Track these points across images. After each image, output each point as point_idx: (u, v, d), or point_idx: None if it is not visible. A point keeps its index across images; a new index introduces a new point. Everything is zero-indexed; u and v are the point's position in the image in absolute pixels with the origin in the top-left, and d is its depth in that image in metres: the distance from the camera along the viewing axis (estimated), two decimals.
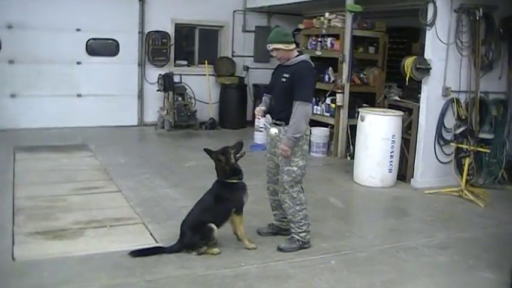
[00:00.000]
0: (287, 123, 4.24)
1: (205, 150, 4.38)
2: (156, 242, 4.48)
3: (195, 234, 4.18)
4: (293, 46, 4.28)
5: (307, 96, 4.19)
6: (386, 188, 6.57)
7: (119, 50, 9.90)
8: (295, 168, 4.29)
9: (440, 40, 6.39)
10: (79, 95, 9.73)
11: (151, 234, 4.65)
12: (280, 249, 4.39)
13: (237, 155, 4.34)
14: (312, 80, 4.28)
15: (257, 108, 4.52)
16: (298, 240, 4.42)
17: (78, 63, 9.62)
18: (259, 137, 8.91)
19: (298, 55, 4.32)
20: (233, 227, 4.40)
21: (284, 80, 4.25)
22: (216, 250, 4.26)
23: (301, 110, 4.13)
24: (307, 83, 4.18)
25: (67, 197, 5.59)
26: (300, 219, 4.38)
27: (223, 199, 4.31)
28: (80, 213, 5.09)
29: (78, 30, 9.49)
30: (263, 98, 4.60)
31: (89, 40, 9.66)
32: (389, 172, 6.58)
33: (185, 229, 4.26)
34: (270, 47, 4.29)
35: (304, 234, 4.41)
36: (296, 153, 4.27)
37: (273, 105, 4.38)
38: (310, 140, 7.97)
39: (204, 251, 4.22)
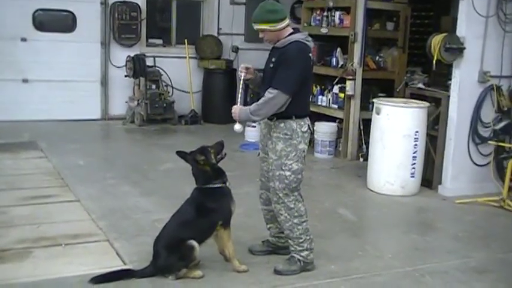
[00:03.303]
0: (279, 118, 4.26)
1: (178, 153, 4.40)
2: (124, 263, 4.43)
3: (172, 254, 4.15)
4: (282, 25, 4.26)
5: (285, 85, 4.16)
6: (408, 196, 6.57)
7: (75, 24, 9.86)
8: (287, 173, 4.28)
9: (478, 12, 6.37)
10: (25, 81, 9.66)
11: (118, 254, 4.61)
12: (277, 272, 4.36)
13: (218, 156, 4.36)
14: (298, 66, 4.21)
15: (242, 65, 4.50)
16: (299, 260, 4.40)
17: (23, 39, 9.55)
18: (251, 134, 8.87)
19: (292, 33, 4.30)
20: (219, 244, 4.37)
21: (271, 65, 4.30)
22: (198, 273, 4.23)
23: (271, 98, 4.14)
24: (291, 68, 4.17)
25: (9, 209, 5.52)
26: (300, 234, 4.37)
27: (207, 209, 4.28)
28: (26, 229, 5.03)
29: None
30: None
31: (36, 11, 9.58)
32: (412, 177, 6.58)
33: (159, 248, 4.22)
34: (254, 27, 4.31)
35: (306, 253, 4.40)
36: (289, 154, 4.27)
37: (262, 95, 4.38)
38: (314, 138, 8.09)
39: (184, 274, 4.18)
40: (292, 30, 4.32)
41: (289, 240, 4.41)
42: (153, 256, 4.23)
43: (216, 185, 4.32)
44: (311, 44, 4.34)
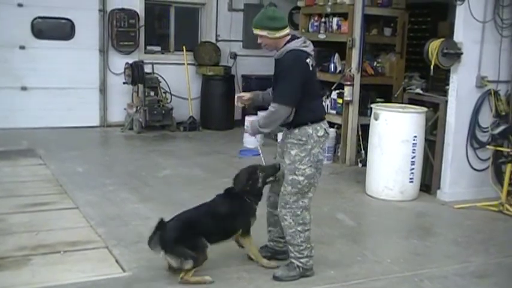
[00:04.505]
0: (290, 127, 4.29)
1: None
2: (124, 270, 4.43)
3: (184, 241, 4.15)
4: (281, 33, 4.26)
5: (284, 97, 4.20)
6: (406, 201, 6.57)
7: (74, 32, 9.87)
8: (301, 178, 4.27)
9: (475, 18, 6.39)
10: (24, 88, 9.67)
11: (116, 261, 4.60)
12: (276, 278, 4.36)
13: (266, 180, 4.46)
14: (294, 76, 4.21)
15: (238, 94, 4.60)
16: (298, 266, 4.39)
17: (22, 47, 9.57)
18: (249, 141, 8.87)
19: (289, 41, 4.29)
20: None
21: (274, 77, 4.35)
22: (208, 278, 4.26)
23: (273, 112, 4.21)
24: (287, 80, 4.20)
25: (7, 216, 5.51)
26: (301, 242, 4.37)
27: (232, 214, 4.40)
28: (25, 236, 5.02)
29: (20, 5, 9.43)
30: (266, 90, 4.66)
31: (35, 19, 9.60)
32: (410, 182, 6.58)
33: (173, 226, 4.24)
34: (254, 31, 4.33)
35: (305, 259, 4.40)
36: (303, 159, 4.27)
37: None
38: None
39: (191, 277, 4.16)
40: (289, 37, 4.30)
41: (290, 246, 4.41)
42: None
43: (248, 200, 4.44)
44: (309, 48, 4.30)
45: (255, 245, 4.53)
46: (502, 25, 6.51)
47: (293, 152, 4.28)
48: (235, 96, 4.63)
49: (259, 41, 4.33)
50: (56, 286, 4.13)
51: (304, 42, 4.31)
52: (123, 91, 10.18)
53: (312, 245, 4.43)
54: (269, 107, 4.26)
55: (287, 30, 4.29)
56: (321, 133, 4.29)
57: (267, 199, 4.66)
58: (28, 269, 4.39)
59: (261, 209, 4.61)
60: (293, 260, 4.40)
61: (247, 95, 4.60)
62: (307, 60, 4.26)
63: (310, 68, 4.31)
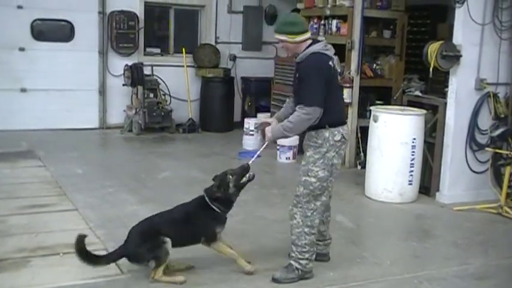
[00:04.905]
0: (312, 128, 4.28)
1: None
2: (122, 272, 4.42)
3: (145, 243, 4.19)
4: (302, 38, 4.30)
5: (312, 99, 4.20)
6: (405, 203, 6.56)
7: (73, 34, 9.89)
8: (313, 180, 4.29)
9: (474, 20, 6.40)
10: (23, 90, 9.68)
11: (115, 263, 4.52)
12: (275, 280, 4.36)
13: (241, 182, 4.40)
14: (318, 78, 4.22)
15: (263, 127, 4.55)
16: (297, 268, 4.39)
17: (21, 49, 9.58)
18: (249, 143, 8.91)
19: (310, 45, 4.32)
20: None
21: (296, 81, 4.38)
22: (180, 278, 4.26)
23: (304, 113, 4.18)
24: (312, 82, 4.21)
25: (7, 218, 5.52)
26: (305, 244, 4.37)
27: (197, 221, 4.37)
28: (24, 238, 5.02)
29: (19, 7, 9.45)
30: (286, 101, 4.65)
31: (34, 21, 9.62)
32: (410, 184, 6.58)
33: (134, 233, 4.30)
34: (275, 36, 4.39)
35: (305, 262, 4.40)
36: (316, 161, 4.29)
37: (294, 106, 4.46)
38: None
39: (160, 276, 4.18)
40: (311, 42, 4.34)
41: (292, 246, 4.41)
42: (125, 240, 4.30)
43: (216, 208, 4.38)
44: (330, 52, 4.34)
45: (225, 246, 4.44)
46: (501, 27, 6.52)
47: (308, 154, 4.32)
48: (265, 132, 4.53)
49: (280, 45, 4.41)
50: (55, 287, 4.14)
51: (325, 45, 4.35)
52: (122, 93, 10.18)
53: (314, 250, 4.43)
54: (297, 110, 4.22)
55: (308, 35, 4.34)
56: (337, 137, 4.29)
57: None
58: (27, 271, 4.39)
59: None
60: (292, 262, 4.39)
61: (271, 121, 4.57)
62: (330, 63, 4.29)
63: (332, 71, 4.32)
